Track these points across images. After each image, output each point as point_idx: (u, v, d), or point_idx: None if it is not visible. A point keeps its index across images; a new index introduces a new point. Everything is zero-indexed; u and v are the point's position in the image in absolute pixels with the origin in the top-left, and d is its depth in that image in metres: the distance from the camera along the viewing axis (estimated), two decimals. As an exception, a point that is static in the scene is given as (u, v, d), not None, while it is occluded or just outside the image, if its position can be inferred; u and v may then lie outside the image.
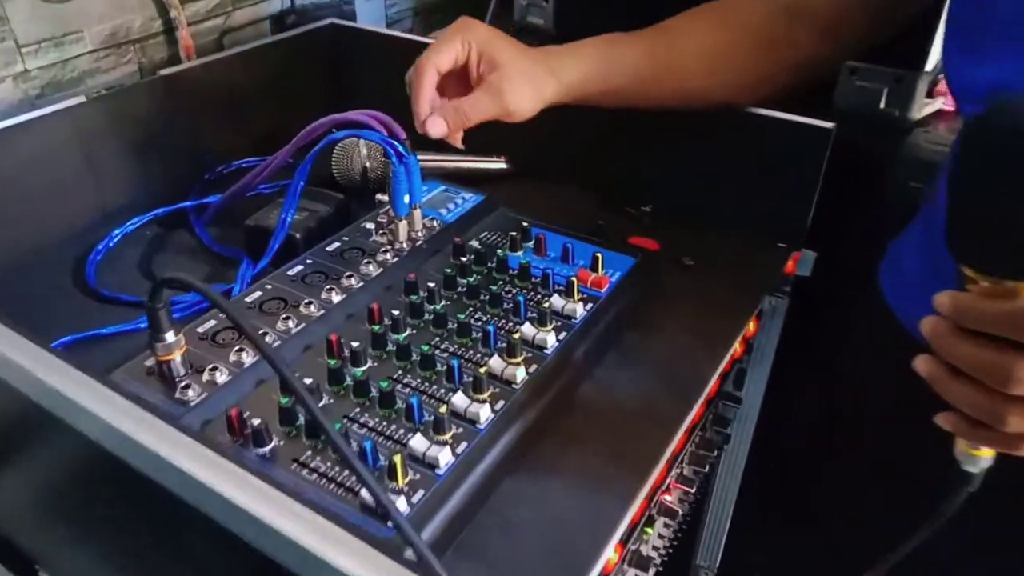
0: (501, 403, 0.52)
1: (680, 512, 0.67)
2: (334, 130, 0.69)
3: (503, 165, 0.88)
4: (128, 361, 0.55)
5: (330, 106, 0.75)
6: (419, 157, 0.67)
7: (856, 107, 0.85)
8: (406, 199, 0.66)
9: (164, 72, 0.83)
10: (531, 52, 0.65)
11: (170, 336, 0.51)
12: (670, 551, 0.75)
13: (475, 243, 0.69)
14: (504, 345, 0.56)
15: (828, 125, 0.71)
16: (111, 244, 0.74)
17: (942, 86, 0.88)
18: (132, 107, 0.79)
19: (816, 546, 0.84)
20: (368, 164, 0.82)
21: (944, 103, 0.88)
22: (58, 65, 0.78)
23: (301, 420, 0.50)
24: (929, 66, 0.84)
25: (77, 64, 0.79)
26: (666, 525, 0.69)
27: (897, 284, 0.66)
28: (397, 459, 0.46)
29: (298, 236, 0.69)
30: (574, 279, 0.62)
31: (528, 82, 0.64)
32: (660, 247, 0.74)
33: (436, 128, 0.63)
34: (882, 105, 0.84)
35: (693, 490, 0.67)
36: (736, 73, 0.69)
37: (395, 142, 0.64)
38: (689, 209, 0.79)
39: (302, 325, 0.58)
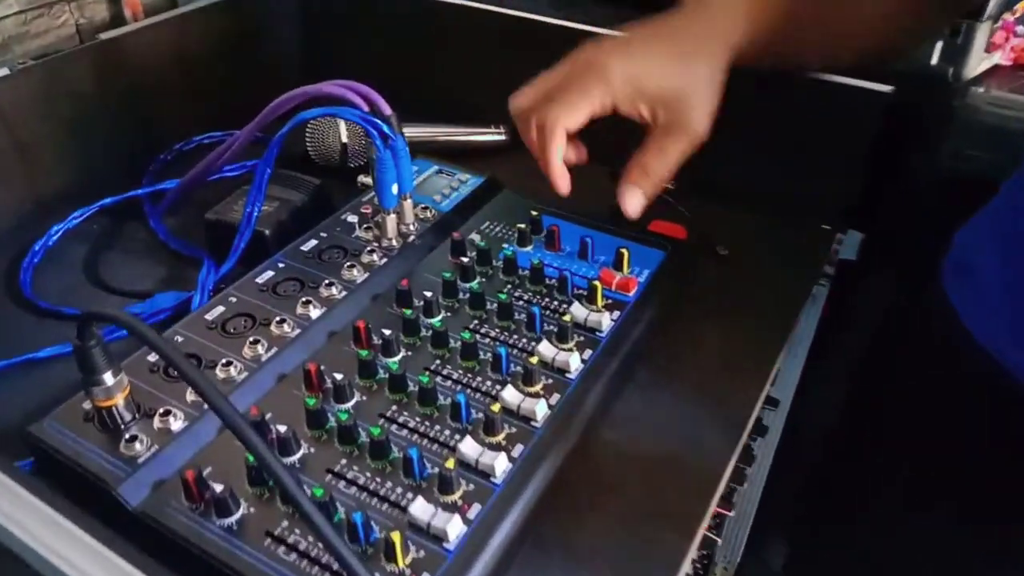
0: (520, 448, 0.43)
1: (718, 540, 0.59)
2: (311, 102, 0.58)
3: (501, 136, 0.77)
4: (66, 399, 0.45)
5: (306, 72, 0.64)
6: (406, 133, 0.57)
7: (903, 65, 0.74)
8: (394, 189, 0.55)
9: (106, 36, 0.71)
10: (685, 52, 0.52)
11: (108, 378, 0.41)
12: (701, 572, 0.67)
13: (476, 237, 0.59)
14: (519, 370, 0.47)
15: (884, 88, 0.62)
16: (50, 243, 0.63)
17: (998, 37, 0.77)
18: (68, 78, 0.68)
19: (844, 547, 0.77)
20: (347, 140, 0.72)
21: (1001, 58, 0.77)
22: (-23, 30, 0.67)
23: (275, 478, 0.41)
24: (987, 15, 0.73)
25: (1, 28, 0.67)
26: (699, 551, 0.61)
27: (967, 288, 0.56)
28: (396, 537, 0.37)
29: (267, 232, 0.59)
30: (597, 282, 0.52)
31: (706, 96, 0.53)
32: (688, 234, 0.65)
33: (635, 205, 0.53)
34: (933, 61, 0.73)
35: (732, 512, 0.59)
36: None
37: (378, 121, 0.53)
38: (718, 186, 0.69)
39: (274, 350, 0.48)
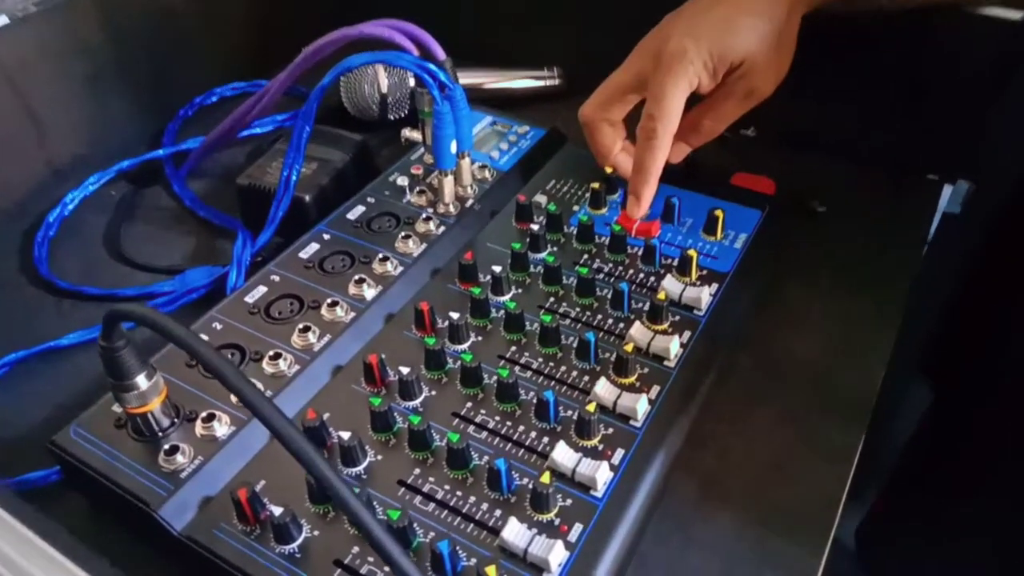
0: (620, 454, 0.37)
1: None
2: (352, 47, 0.50)
3: (556, 81, 0.70)
4: (94, 394, 0.40)
5: (336, 10, 0.57)
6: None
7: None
8: (453, 147, 0.48)
9: (113, -24, 0.63)
10: (748, 11, 0.47)
11: (142, 381, 0.35)
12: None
13: (543, 199, 0.52)
14: (611, 358, 0.41)
15: (1016, 15, 0.53)
16: (66, 213, 0.57)
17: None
18: (75, 26, 0.60)
19: (932, 525, 0.71)
20: (387, 90, 0.64)
21: None
22: (-29, -27, 0.59)
23: (340, 494, 0.35)
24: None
25: (-4, -30, 0.60)
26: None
27: None
28: (491, 572, 0.31)
29: (307, 198, 0.52)
30: (691, 251, 0.45)
31: (773, 55, 0.48)
32: (777, 188, 0.57)
33: (677, 159, 0.51)
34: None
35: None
36: None
37: (435, 68, 0.46)
38: (804, 132, 0.62)
39: (327, 337, 0.42)
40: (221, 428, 0.37)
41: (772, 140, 0.62)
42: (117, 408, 0.38)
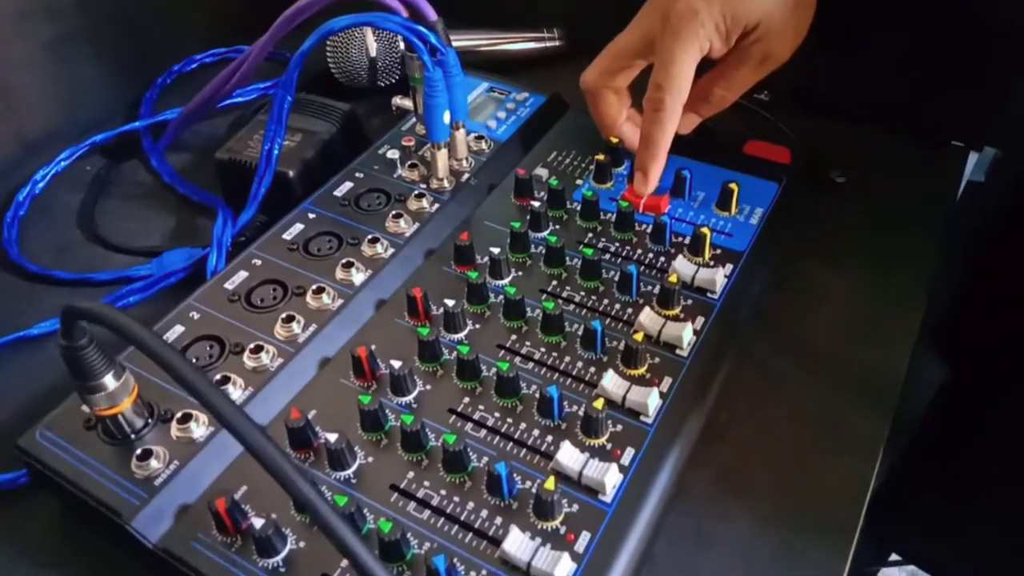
0: (630, 454, 0.34)
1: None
2: (336, 8, 0.47)
3: (557, 43, 0.66)
4: (65, 390, 0.37)
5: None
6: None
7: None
8: (446, 117, 0.45)
9: (80, -66, 0.59)
10: None
11: (110, 381, 0.33)
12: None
13: (544, 172, 0.49)
14: (619, 347, 0.38)
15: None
16: (36, 191, 0.54)
17: None
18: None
19: (941, 501, 0.69)
20: (376, 54, 0.60)
21: None
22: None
23: (327, 501, 0.32)
24: None
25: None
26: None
27: None
28: (491, 590, 0.28)
29: (291, 174, 0.49)
30: (704, 229, 0.42)
31: (791, 18, 0.44)
32: (792, 157, 0.54)
33: (686, 130, 0.49)
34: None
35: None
36: None
37: (423, 30, 0.42)
38: (820, 96, 0.58)
39: (312, 327, 0.39)
40: (198, 429, 0.35)
41: (787, 104, 0.58)
42: (86, 407, 0.35)
